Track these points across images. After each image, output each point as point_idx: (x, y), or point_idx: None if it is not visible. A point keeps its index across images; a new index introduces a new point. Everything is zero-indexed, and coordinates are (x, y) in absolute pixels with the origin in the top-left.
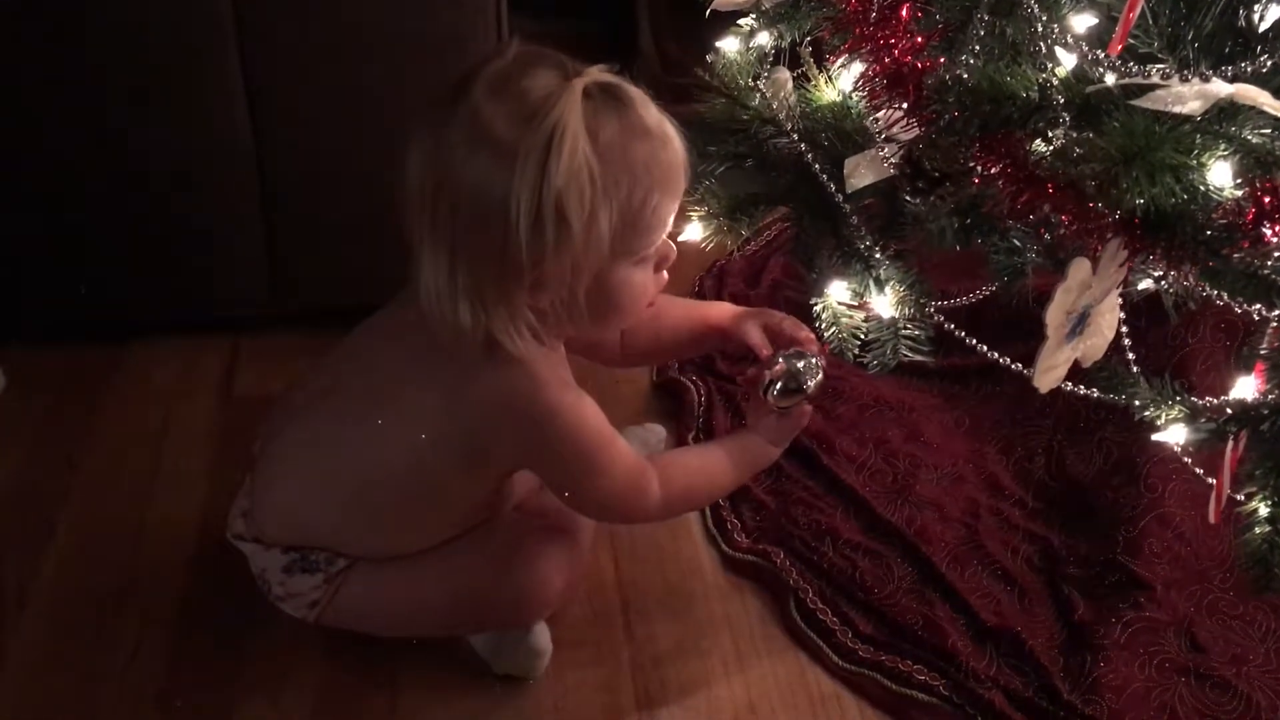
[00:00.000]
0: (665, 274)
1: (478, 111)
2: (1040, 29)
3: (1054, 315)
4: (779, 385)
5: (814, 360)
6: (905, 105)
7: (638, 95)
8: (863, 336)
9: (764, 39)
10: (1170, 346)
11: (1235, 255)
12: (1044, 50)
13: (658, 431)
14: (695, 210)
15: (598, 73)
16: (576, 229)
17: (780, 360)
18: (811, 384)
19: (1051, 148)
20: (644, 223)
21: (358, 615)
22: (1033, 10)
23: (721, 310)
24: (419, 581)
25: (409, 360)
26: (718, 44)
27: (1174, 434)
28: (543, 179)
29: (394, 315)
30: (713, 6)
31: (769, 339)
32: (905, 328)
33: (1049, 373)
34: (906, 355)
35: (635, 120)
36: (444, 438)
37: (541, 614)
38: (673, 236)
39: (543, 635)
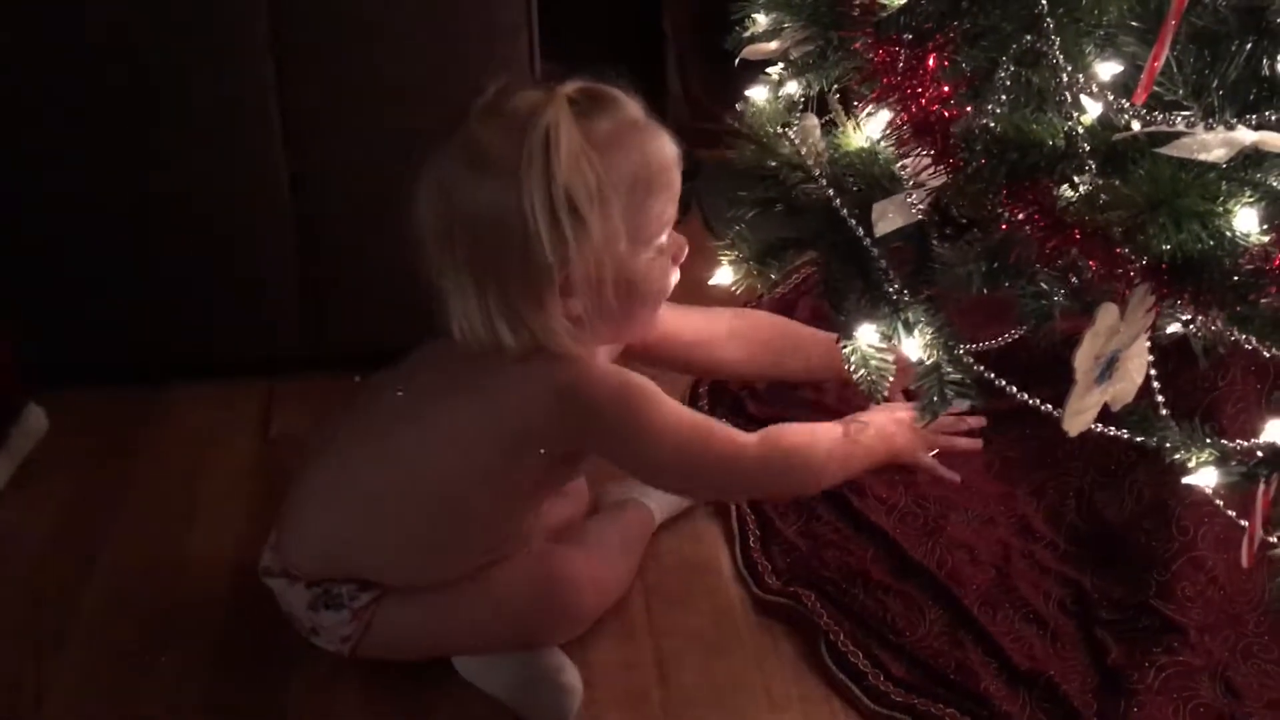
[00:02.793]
0: (678, 271)
1: (472, 137)
2: (1065, 78)
3: (1082, 360)
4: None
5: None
6: (932, 153)
7: (621, 95)
8: (890, 378)
9: (792, 88)
10: (1200, 390)
11: (1263, 300)
12: (1069, 99)
13: None
14: (725, 254)
15: (579, 82)
16: (591, 219)
17: None
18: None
19: (1078, 194)
20: (651, 209)
21: (392, 647)
22: (1058, 60)
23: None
24: (453, 607)
25: (443, 384)
26: (747, 92)
27: (1205, 477)
28: (549, 178)
29: (423, 356)
30: (741, 55)
31: None
32: (948, 372)
33: (1078, 416)
34: (954, 401)
35: (624, 115)
36: (482, 442)
37: (575, 629)
38: (690, 251)
39: (572, 673)
